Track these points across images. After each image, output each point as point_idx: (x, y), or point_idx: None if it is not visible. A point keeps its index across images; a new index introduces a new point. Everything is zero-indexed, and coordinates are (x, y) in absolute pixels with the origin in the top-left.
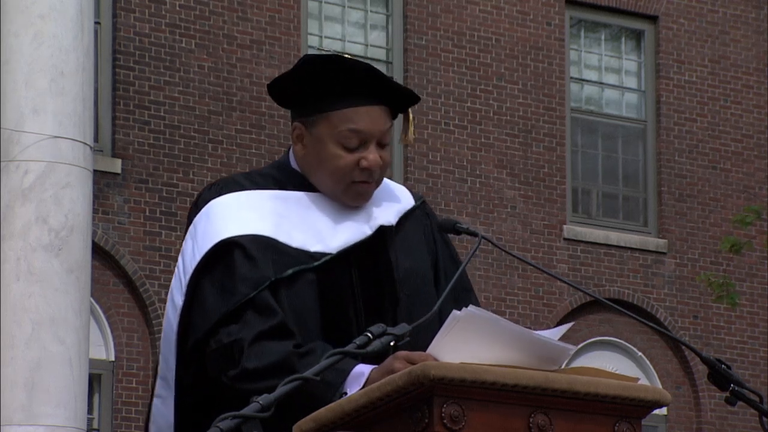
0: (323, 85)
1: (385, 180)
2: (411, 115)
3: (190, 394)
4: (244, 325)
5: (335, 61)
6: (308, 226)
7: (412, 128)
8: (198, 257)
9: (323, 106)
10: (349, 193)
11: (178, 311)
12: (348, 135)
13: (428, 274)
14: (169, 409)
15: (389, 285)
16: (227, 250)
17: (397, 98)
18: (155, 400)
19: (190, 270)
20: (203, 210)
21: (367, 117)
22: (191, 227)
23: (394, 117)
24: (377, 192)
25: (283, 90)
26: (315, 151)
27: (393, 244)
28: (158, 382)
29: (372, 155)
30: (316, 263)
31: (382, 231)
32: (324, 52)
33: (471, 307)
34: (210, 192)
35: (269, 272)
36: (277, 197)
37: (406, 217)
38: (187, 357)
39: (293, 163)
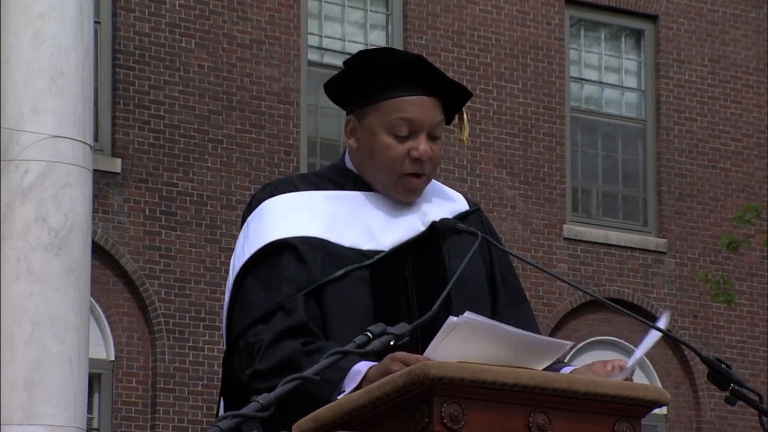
0: (374, 77)
1: (440, 184)
2: (465, 114)
3: (232, 393)
4: (270, 326)
5: (386, 53)
6: (361, 225)
7: (467, 128)
8: (247, 256)
9: (374, 97)
10: (400, 187)
11: (226, 308)
12: (398, 123)
13: (480, 281)
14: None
15: (442, 285)
16: (277, 251)
17: (448, 93)
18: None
19: (238, 268)
20: (256, 210)
21: (417, 107)
22: (244, 226)
23: (449, 118)
24: (431, 192)
25: (336, 88)
26: (367, 143)
27: (446, 245)
28: None
29: (423, 146)
30: (368, 261)
31: (435, 228)
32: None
33: (467, 313)
34: (264, 192)
35: (317, 275)
36: (330, 197)
37: (460, 221)
38: (226, 355)
39: (349, 164)
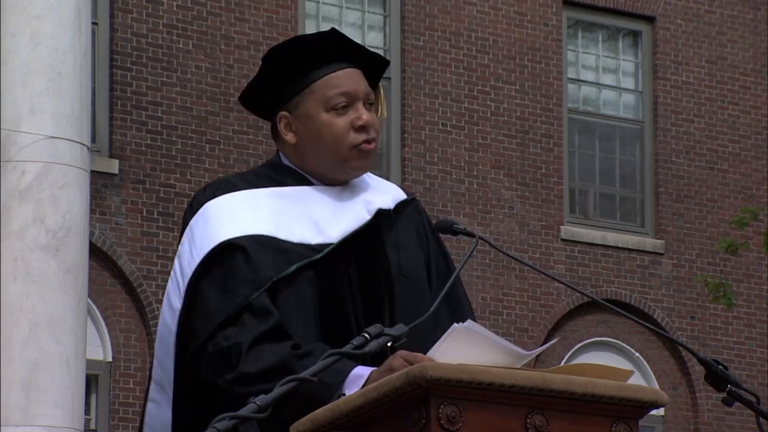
0: (296, 65)
1: (376, 176)
2: (381, 90)
3: (193, 400)
4: (242, 329)
5: (299, 39)
6: (307, 220)
7: (383, 104)
8: (197, 260)
9: (303, 84)
10: (353, 159)
11: (177, 315)
12: (336, 98)
13: (422, 273)
14: (165, 413)
15: (386, 281)
16: (227, 253)
17: (368, 63)
18: (149, 405)
19: (188, 272)
20: (199, 212)
21: (349, 78)
22: (187, 230)
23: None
24: (371, 181)
25: (256, 95)
26: (308, 130)
27: (388, 239)
28: (152, 386)
29: (365, 114)
30: (317, 256)
31: (380, 217)
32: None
33: (469, 322)
34: (204, 194)
35: (271, 272)
36: (273, 194)
37: (398, 213)
38: (189, 362)
39: (285, 161)
